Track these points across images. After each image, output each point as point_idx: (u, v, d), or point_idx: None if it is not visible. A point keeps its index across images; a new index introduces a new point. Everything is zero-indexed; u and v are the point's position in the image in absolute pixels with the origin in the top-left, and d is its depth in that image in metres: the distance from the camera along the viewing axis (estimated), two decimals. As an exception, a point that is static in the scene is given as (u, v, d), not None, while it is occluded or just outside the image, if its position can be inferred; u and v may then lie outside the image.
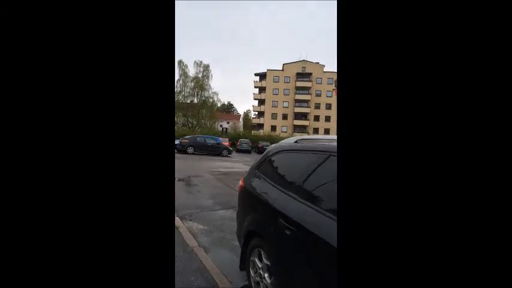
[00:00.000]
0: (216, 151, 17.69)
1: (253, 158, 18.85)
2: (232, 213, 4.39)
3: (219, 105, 42.95)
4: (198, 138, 17.99)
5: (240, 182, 2.67)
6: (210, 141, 18.23)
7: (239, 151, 23.43)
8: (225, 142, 21.19)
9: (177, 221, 3.92)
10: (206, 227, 3.72)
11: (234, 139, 28.34)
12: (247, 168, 11.42)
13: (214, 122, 44.67)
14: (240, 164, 13.05)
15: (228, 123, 55.97)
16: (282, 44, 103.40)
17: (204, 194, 5.69)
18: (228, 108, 72.52)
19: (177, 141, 19.00)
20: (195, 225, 3.78)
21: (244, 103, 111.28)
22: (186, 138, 17.90)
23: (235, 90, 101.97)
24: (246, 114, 71.96)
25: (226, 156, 17.79)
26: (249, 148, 25.02)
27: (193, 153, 17.19)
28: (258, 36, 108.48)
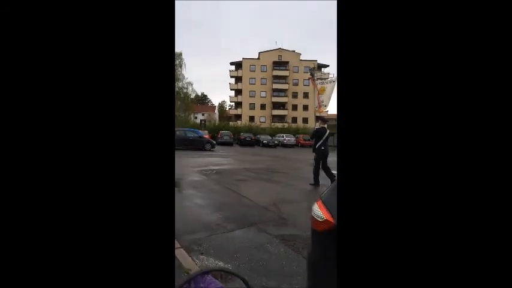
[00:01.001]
0: (198, 145, 16.21)
1: (239, 151, 18.22)
2: (255, 235, 3.19)
3: (192, 96, 40.91)
4: (177, 132, 16.31)
5: (322, 214, 1.48)
6: (191, 135, 16.69)
7: (221, 144, 22.03)
8: (205, 135, 19.71)
9: (183, 254, 2.67)
10: (229, 265, 2.50)
11: (213, 131, 26.85)
12: (239, 164, 10.48)
13: (190, 114, 42.75)
14: (229, 159, 11.76)
15: (203, 115, 54.01)
16: (257, 34, 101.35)
17: (206, 205, 4.42)
18: (202, 100, 70.13)
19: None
20: (212, 262, 2.55)
21: (219, 94, 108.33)
22: (164, 133, 16.27)
23: (209, 81, 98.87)
24: (221, 105, 70.17)
25: (210, 150, 16.39)
26: (231, 140, 23.67)
27: (172, 149, 15.63)
28: (230, 26, 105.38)
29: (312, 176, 6.20)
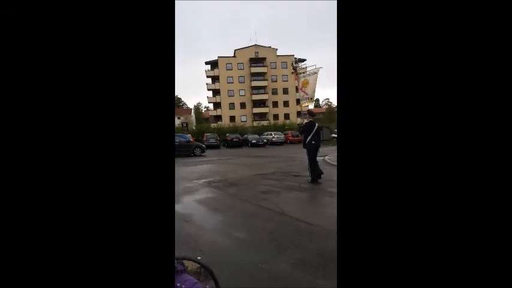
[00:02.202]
0: (186, 151, 14.58)
1: (233, 154, 16.58)
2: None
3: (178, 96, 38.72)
4: (162, 138, 14.62)
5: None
6: (178, 140, 14.98)
7: (208, 147, 20.41)
8: (191, 139, 18.04)
9: None
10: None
11: (197, 135, 25.10)
12: (247, 170, 8.76)
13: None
14: (231, 166, 10.28)
15: (178, 118, 51.56)
16: (231, 32, 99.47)
17: (256, 241, 3.01)
18: (176, 103, 67.44)
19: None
20: None
21: (193, 96, 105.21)
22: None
23: (181, 83, 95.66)
24: (197, 107, 67.98)
25: (200, 155, 14.81)
26: (218, 143, 22.09)
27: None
28: (203, 26, 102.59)
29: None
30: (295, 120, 40.03)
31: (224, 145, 22.99)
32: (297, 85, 7.65)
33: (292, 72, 8.76)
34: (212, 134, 23.27)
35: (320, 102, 73.37)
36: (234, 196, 5.02)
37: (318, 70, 6.99)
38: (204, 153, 15.12)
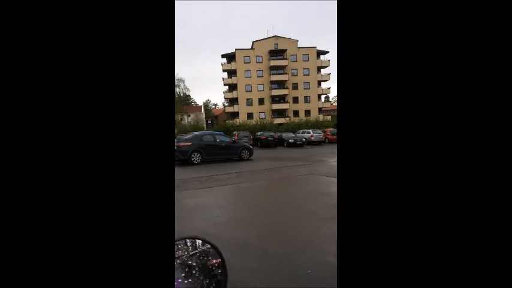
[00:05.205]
0: (233, 154, 11.78)
1: (277, 156, 13.55)
2: None
3: (187, 93, 36.03)
4: (204, 137, 11.73)
5: None
6: (223, 140, 12.14)
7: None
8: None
9: None
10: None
11: (227, 133, 22.32)
12: None
13: (183, 116, 37.93)
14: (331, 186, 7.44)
15: (189, 115, 48.94)
16: (242, 26, 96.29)
17: None
18: (185, 100, 64.84)
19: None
20: None
21: (202, 92, 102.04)
22: (185, 139, 11.52)
23: (187, 80, 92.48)
24: (206, 104, 65.35)
25: (248, 159, 12.00)
26: (251, 142, 19.20)
27: (201, 163, 11.00)
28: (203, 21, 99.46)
29: None
30: (316, 117, 37.19)
31: (257, 145, 20.16)
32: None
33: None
34: (245, 132, 20.50)
35: (330, 99, 70.22)
36: None
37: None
38: (251, 157, 12.31)
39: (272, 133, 21.30)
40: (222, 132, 15.12)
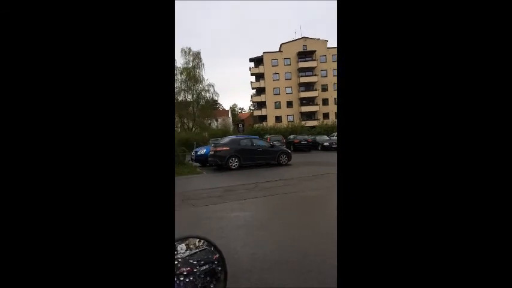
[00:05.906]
0: (270, 158, 11.29)
1: (314, 161, 12.25)
2: None
3: (216, 98, 36.16)
4: (242, 141, 11.36)
5: None
6: (260, 144, 11.69)
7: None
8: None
9: None
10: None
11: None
12: None
13: (212, 120, 38.12)
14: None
15: (216, 120, 49.34)
16: (264, 30, 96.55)
17: None
18: (212, 105, 65.62)
19: (204, 151, 12.36)
20: None
21: (228, 97, 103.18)
22: (223, 144, 11.22)
23: (219, 85, 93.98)
24: (233, 108, 65.64)
25: (286, 164, 11.44)
26: (283, 146, 18.59)
27: (238, 168, 10.58)
28: (227, 27, 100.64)
29: None
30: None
31: (289, 148, 19.52)
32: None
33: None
34: (277, 136, 19.94)
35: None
36: None
37: None
38: (290, 161, 11.74)
39: (306, 136, 20.56)
40: (257, 136, 14.67)
